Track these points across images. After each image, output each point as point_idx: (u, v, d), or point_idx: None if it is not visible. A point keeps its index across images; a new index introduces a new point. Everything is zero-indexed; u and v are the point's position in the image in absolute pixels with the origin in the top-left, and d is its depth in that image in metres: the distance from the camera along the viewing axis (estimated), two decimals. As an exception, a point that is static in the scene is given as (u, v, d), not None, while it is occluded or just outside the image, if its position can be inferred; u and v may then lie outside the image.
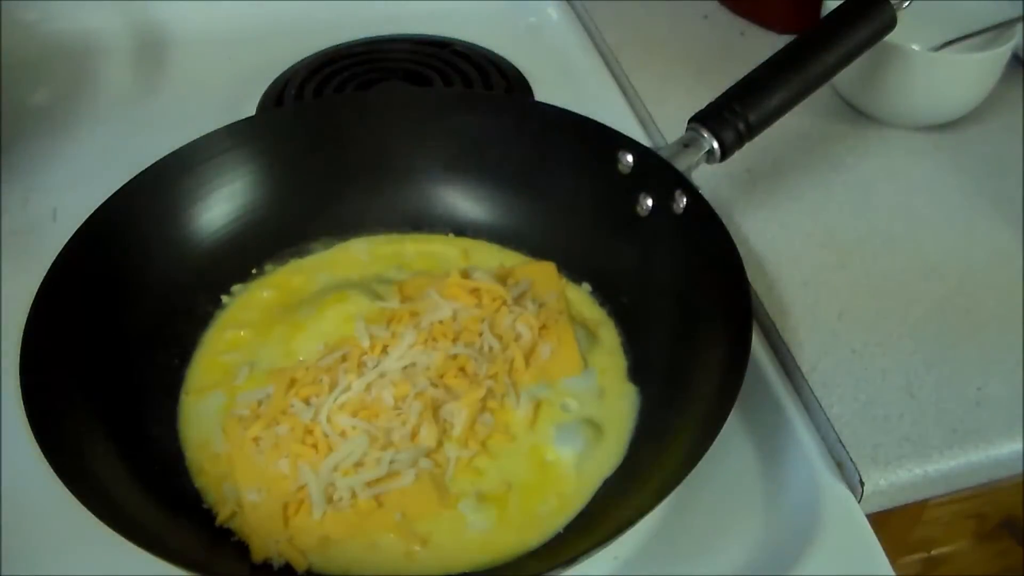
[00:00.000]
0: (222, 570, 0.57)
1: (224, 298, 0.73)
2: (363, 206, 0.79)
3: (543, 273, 0.75)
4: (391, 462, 0.61)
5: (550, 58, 1.03)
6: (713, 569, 0.59)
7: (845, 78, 0.86)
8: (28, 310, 0.60)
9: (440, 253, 0.78)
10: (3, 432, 0.63)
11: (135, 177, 0.70)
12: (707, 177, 0.82)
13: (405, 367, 0.66)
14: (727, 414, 0.55)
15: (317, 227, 0.78)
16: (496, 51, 1.03)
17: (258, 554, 0.58)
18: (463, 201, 0.80)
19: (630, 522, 0.51)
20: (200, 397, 0.67)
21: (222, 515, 0.60)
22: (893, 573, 0.59)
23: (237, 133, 0.75)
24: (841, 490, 0.63)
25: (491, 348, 0.68)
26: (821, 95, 0.86)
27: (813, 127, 0.92)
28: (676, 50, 1.03)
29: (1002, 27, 0.88)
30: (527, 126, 0.78)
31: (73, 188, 0.83)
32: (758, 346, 0.71)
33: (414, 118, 0.79)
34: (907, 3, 0.74)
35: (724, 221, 0.66)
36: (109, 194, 0.68)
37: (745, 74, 0.72)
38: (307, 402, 0.64)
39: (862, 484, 0.64)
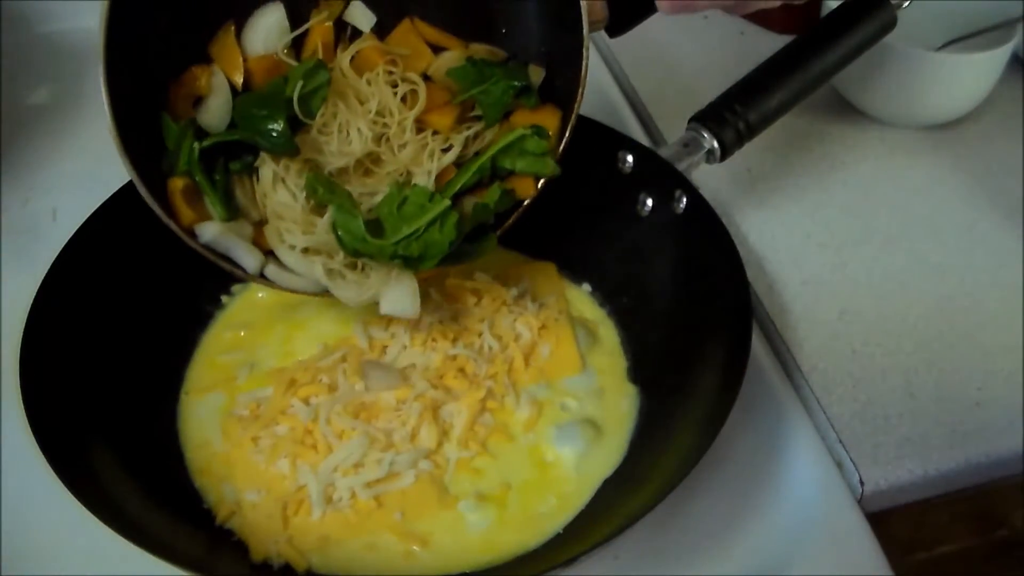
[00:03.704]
0: (221, 570, 0.57)
1: (224, 298, 0.73)
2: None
3: (543, 273, 0.75)
4: (391, 463, 0.61)
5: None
6: (713, 569, 0.59)
7: (845, 78, 0.86)
8: (28, 310, 0.60)
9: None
10: (3, 432, 0.63)
11: (135, 177, 0.70)
12: (707, 177, 0.82)
13: (404, 368, 0.66)
14: (727, 414, 0.55)
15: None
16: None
17: (257, 554, 0.58)
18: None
19: (630, 522, 0.51)
20: (200, 397, 0.67)
21: (221, 515, 0.60)
22: (893, 573, 0.59)
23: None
24: (841, 490, 0.63)
25: (491, 348, 0.68)
26: (821, 95, 0.86)
27: (813, 127, 0.92)
28: (676, 50, 1.03)
29: (1002, 27, 0.88)
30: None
31: (73, 188, 0.83)
32: (758, 346, 0.71)
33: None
34: (907, 3, 0.74)
35: (724, 221, 0.66)
36: (109, 194, 0.68)
37: (745, 74, 0.72)
38: (307, 402, 0.64)
39: (862, 484, 0.64)
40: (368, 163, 0.64)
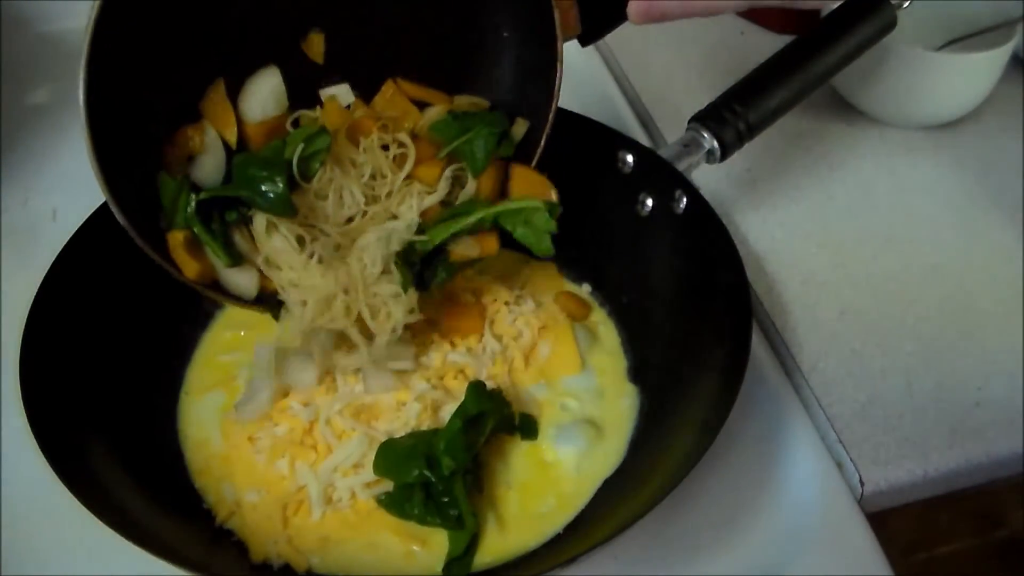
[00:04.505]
0: (221, 570, 0.57)
1: (224, 299, 0.73)
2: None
3: (543, 273, 0.75)
4: (391, 462, 0.61)
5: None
6: (713, 569, 0.59)
7: (845, 78, 0.86)
8: (28, 310, 0.60)
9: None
10: (3, 432, 0.63)
11: (135, 177, 0.70)
12: (707, 177, 0.82)
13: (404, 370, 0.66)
14: (727, 414, 0.55)
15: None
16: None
17: (257, 554, 0.58)
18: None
19: (630, 522, 0.51)
20: (200, 397, 0.67)
21: (221, 515, 0.60)
22: (893, 573, 0.59)
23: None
24: (841, 490, 0.63)
25: (491, 348, 0.68)
26: (821, 95, 0.86)
27: (813, 127, 0.92)
28: (676, 50, 1.03)
29: (1002, 27, 0.88)
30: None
31: (73, 188, 0.82)
32: (758, 346, 0.71)
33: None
34: (907, 3, 0.74)
35: (724, 221, 0.66)
36: (109, 194, 0.68)
37: (745, 74, 0.72)
38: (306, 403, 0.64)
39: (862, 484, 0.64)
40: None
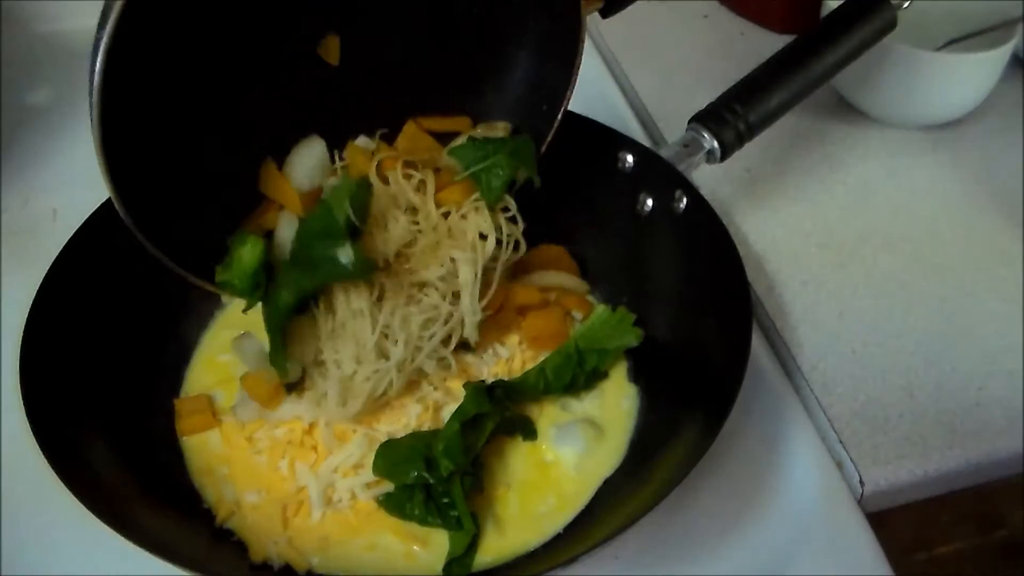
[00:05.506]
0: (221, 570, 0.57)
1: (224, 298, 0.73)
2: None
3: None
4: (391, 463, 0.61)
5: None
6: (713, 569, 0.59)
7: (845, 78, 0.86)
8: (28, 310, 0.60)
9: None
10: (3, 432, 0.63)
11: (135, 177, 0.69)
12: (707, 177, 0.82)
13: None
14: (727, 414, 0.55)
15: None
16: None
17: (257, 554, 0.58)
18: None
19: (630, 522, 0.51)
20: (200, 397, 0.67)
21: (221, 515, 0.60)
22: (893, 573, 0.59)
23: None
24: (841, 490, 0.63)
25: (493, 349, 0.68)
26: (821, 95, 0.86)
27: (813, 127, 0.92)
28: (676, 50, 1.03)
29: (1002, 27, 0.88)
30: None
31: (73, 188, 0.83)
32: (758, 346, 0.71)
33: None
34: (907, 3, 0.74)
35: (724, 221, 0.66)
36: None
37: (745, 74, 0.72)
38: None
39: (862, 484, 0.64)
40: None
